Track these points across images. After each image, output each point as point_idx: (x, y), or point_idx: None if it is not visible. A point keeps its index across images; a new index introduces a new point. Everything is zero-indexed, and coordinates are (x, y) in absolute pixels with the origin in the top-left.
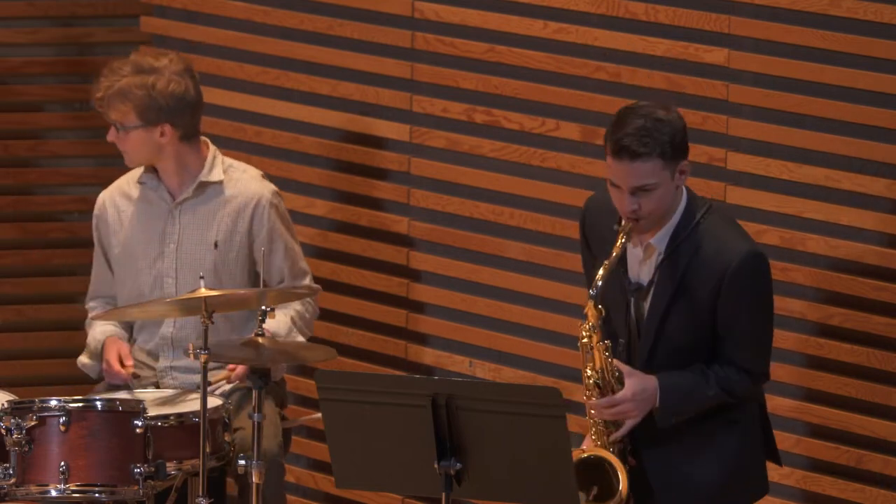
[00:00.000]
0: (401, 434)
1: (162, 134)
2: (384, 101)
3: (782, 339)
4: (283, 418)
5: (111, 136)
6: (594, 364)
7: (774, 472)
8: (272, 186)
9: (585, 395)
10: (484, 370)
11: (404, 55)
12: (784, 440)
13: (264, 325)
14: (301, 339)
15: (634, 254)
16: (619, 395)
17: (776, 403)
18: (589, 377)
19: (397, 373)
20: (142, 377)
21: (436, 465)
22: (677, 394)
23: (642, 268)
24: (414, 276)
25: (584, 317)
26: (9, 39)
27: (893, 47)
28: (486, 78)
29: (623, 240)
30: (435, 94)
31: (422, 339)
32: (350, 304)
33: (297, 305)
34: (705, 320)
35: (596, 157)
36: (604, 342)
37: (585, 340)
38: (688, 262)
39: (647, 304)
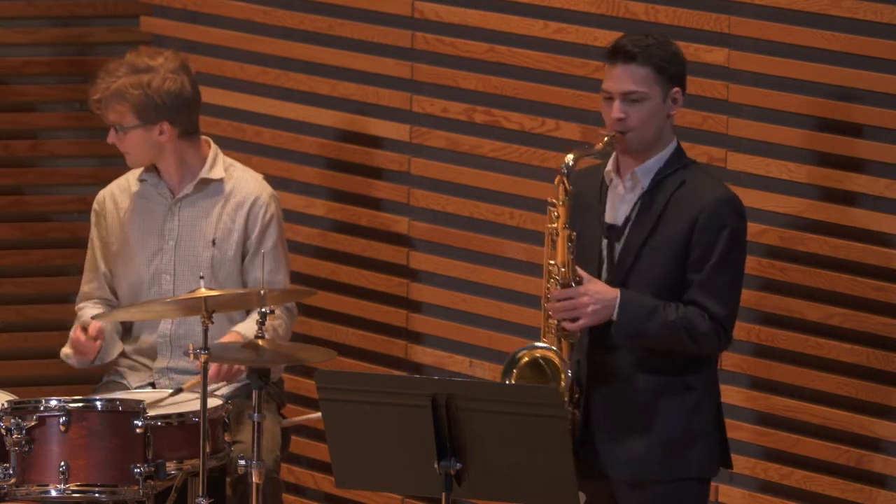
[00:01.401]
0: (401, 434)
1: (161, 132)
2: (384, 101)
3: (782, 338)
4: (282, 418)
5: (111, 138)
6: (557, 258)
7: (774, 472)
8: (271, 190)
9: (545, 291)
10: (484, 370)
11: (404, 55)
12: (784, 440)
13: (236, 327)
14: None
15: (616, 192)
16: (575, 288)
17: (776, 403)
18: (551, 271)
19: (397, 373)
20: (137, 374)
21: (436, 465)
22: (636, 308)
23: (622, 206)
24: (414, 276)
25: (557, 192)
26: (8, 39)
27: (893, 47)
28: (486, 78)
29: (606, 140)
30: (435, 94)
31: (422, 339)
32: (350, 304)
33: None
34: (678, 260)
35: (596, 157)
36: (569, 230)
37: (552, 225)
38: (667, 200)
39: (620, 244)
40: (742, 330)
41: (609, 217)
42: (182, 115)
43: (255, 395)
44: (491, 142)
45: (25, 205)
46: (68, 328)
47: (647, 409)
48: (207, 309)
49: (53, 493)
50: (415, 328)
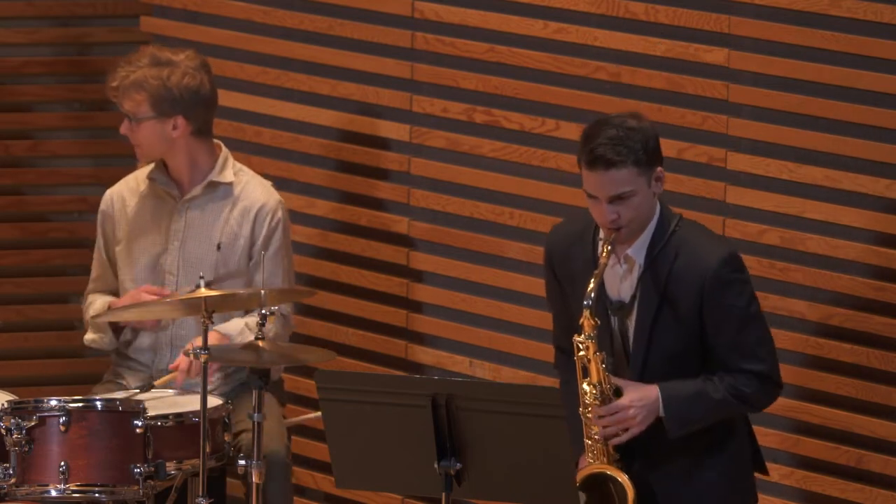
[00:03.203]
0: (401, 434)
1: (175, 127)
2: (384, 101)
3: (782, 339)
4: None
5: (124, 128)
6: (591, 378)
7: (775, 472)
8: (279, 197)
9: (581, 411)
10: (484, 370)
11: (404, 55)
12: (784, 440)
13: (217, 326)
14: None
15: (613, 272)
16: (618, 402)
17: (777, 403)
18: (586, 393)
19: (397, 373)
20: (136, 374)
21: (436, 465)
22: (681, 399)
23: (623, 284)
24: (414, 276)
25: (580, 328)
26: (8, 39)
27: (893, 47)
28: (486, 78)
29: (609, 249)
30: (435, 94)
31: (422, 339)
32: (350, 304)
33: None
34: (692, 327)
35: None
36: (600, 353)
37: (582, 353)
38: (668, 272)
39: (631, 321)
40: None
41: (611, 292)
42: (198, 111)
43: (254, 394)
44: (491, 142)
45: (25, 205)
46: (68, 328)
47: (694, 468)
48: (207, 309)
49: (53, 493)
50: (415, 328)
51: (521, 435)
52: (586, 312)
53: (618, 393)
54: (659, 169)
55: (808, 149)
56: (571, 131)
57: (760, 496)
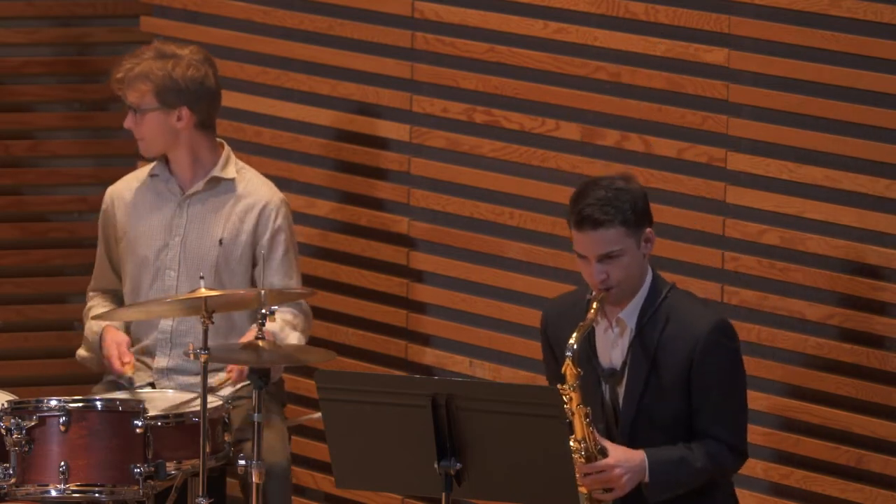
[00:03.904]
0: (401, 434)
1: (179, 118)
2: (384, 101)
3: (782, 339)
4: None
5: (128, 122)
6: (576, 434)
7: (774, 472)
8: (282, 195)
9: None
10: (484, 370)
11: (404, 55)
12: (784, 440)
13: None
14: (295, 336)
15: (605, 338)
16: (605, 461)
17: (776, 403)
18: (573, 450)
19: (397, 373)
20: (137, 374)
21: (436, 465)
22: (667, 466)
23: (614, 350)
24: (414, 276)
25: (562, 377)
26: (8, 39)
27: (893, 47)
28: (486, 78)
29: (596, 307)
30: (435, 94)
31: (422, 339)
32: (350, 304)
33: (288, 315)
34: (681, 394)
35: (596, 157)
36: (584, 406)
37: (566, 405)
38: (658, 338)
39: (622, 388)
40: (743, 330)
41: (603, 359)
42: (202, 104)
43: (255, 395)
44: (491, 142)
45: (25, 205)
46: (68, 328)
47: None
48: (207, 309)
49: (53, 493)
50: (415, 328)
51: (521, 435)
52: (568, 361)
53: (603, 452)
54: (648, 230)
55: (808, 149)
56: (571, 131)
57: (760, 496)
